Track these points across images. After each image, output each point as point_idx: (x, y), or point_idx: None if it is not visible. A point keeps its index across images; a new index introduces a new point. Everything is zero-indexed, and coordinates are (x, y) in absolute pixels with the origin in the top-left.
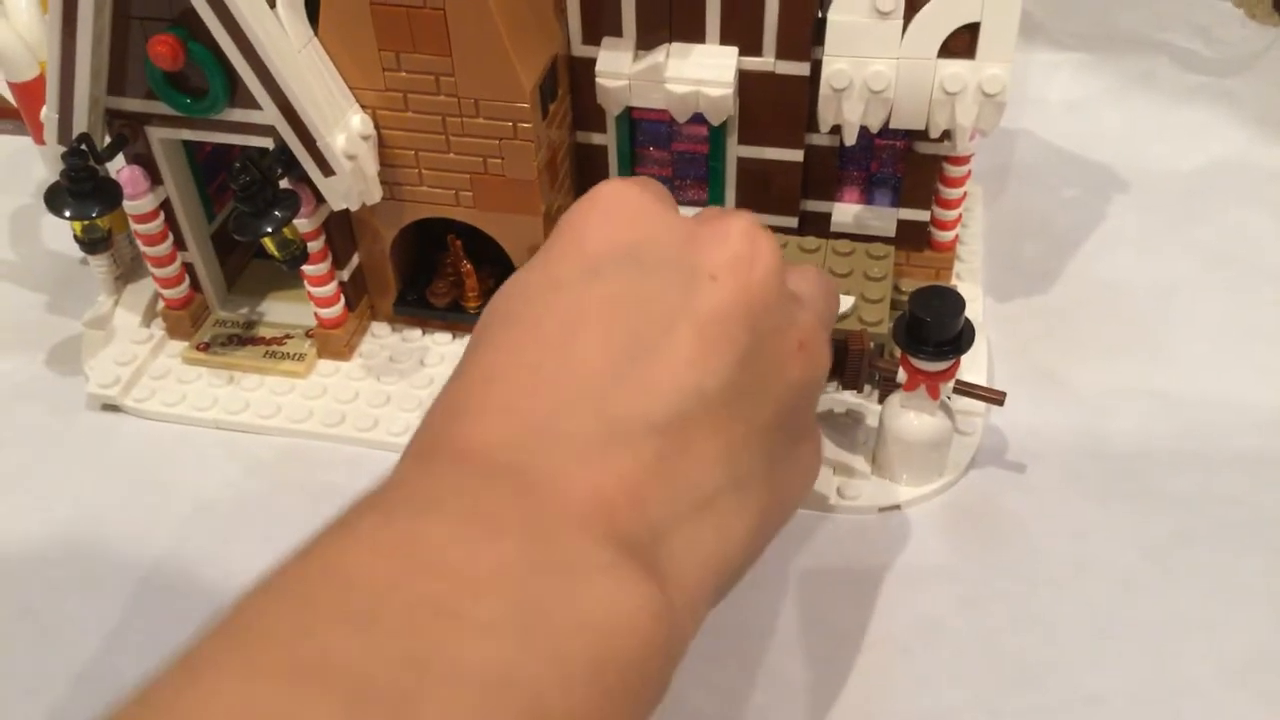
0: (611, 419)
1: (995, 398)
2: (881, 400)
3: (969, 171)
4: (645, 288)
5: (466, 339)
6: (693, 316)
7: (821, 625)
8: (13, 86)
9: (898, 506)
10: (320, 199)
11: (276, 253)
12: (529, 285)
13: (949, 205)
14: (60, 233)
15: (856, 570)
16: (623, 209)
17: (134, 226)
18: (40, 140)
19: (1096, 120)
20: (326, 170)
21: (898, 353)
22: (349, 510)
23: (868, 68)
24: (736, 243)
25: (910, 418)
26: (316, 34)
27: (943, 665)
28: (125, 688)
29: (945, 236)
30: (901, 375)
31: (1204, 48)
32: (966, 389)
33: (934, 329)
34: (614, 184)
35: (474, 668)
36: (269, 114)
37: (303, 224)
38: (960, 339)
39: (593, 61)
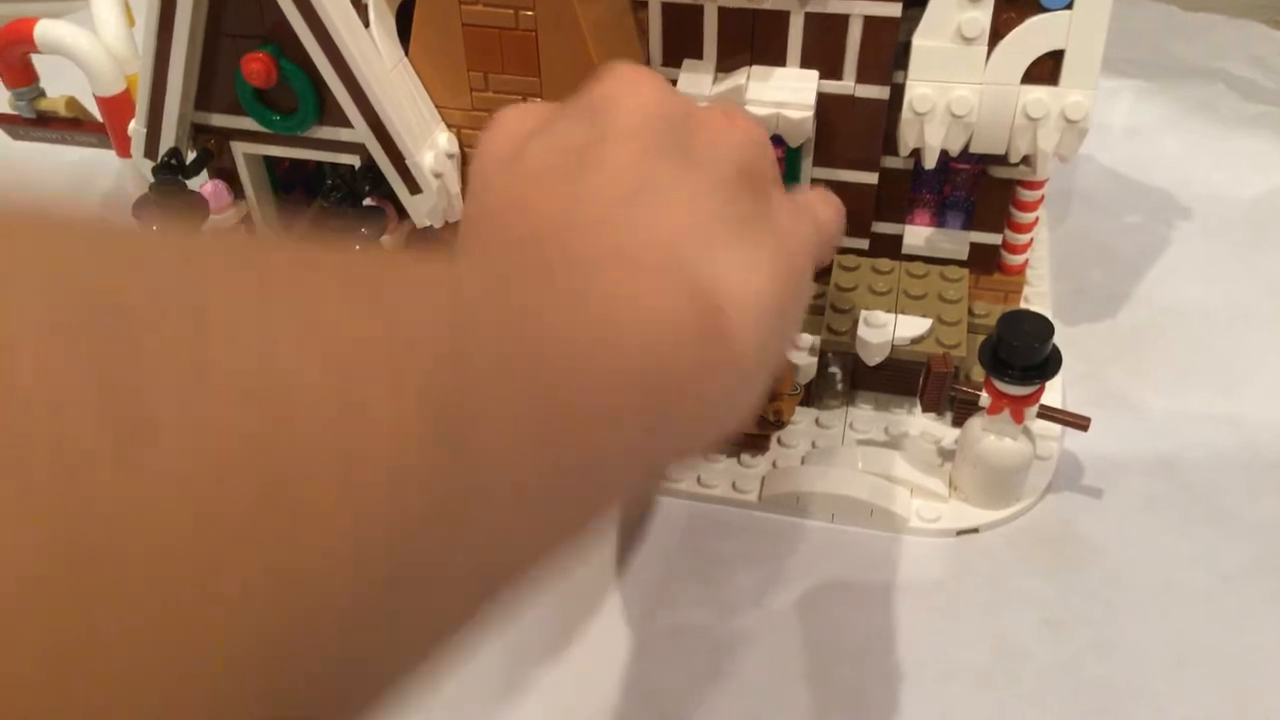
0: (638, 236)
1: (1080, 423)
2: (957, 423)
3: (1042, 196)
4: (669, 163)
5: None
6: (719, 168)
7: (901, 649)
8: (99, 100)
9: (976, 530)
10: (404, 216)
11: None
12: (540, 147)
13: (1021, 229)
14: None
15: (936, 593)
16: (644, 83)
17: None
18: (124, 153)
19: (1157, 147)
20: (413, 188)
21: (973, 374)
22: None
23: (951, 92)
24: (736, 133)
25: (992, 441)
26: (407, 54)
27: (1025, 693)
28: None
29: (1016, 260)
30: (985, 399)
31: (1262, 77)
32: (1051, 414)
33: (1021, 353)
34: (631, 68)
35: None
36: (359, 132)
37: (386, 241)
38: (1048, 364)
39: (673, 83)
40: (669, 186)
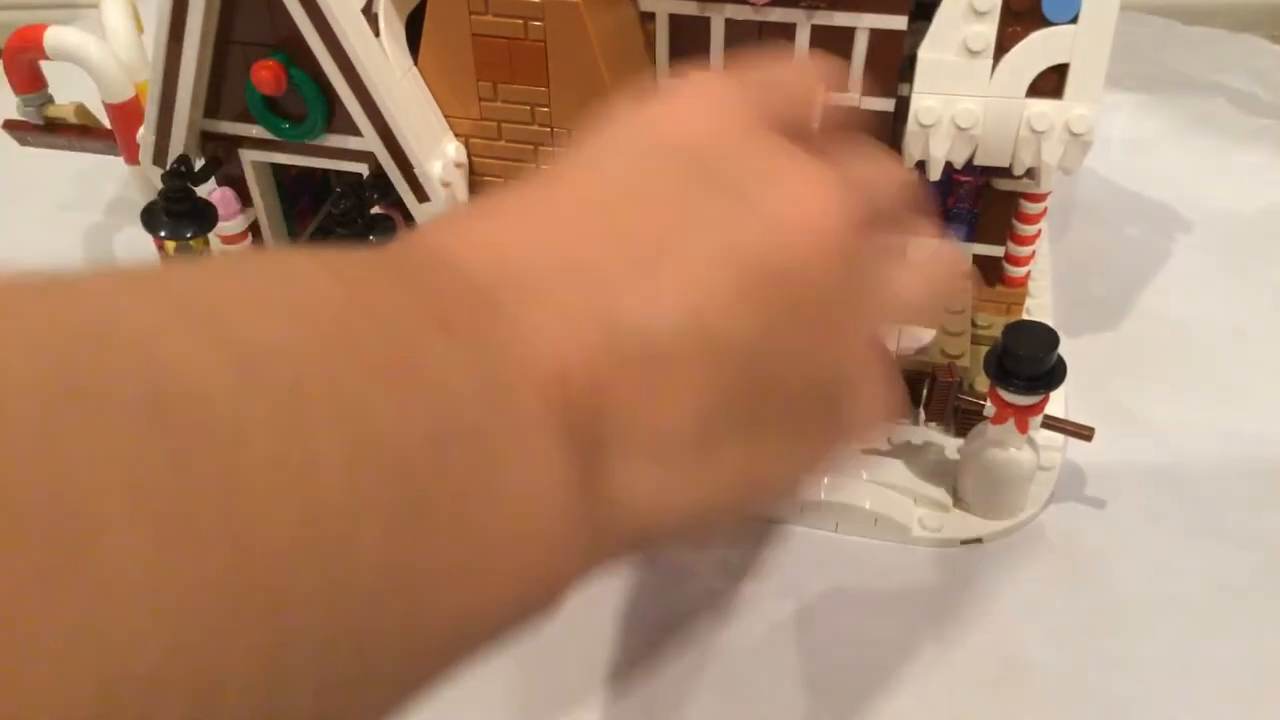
0: (605, 309)
1: (1084, 433)
2: (961, 433)
3: (1045, 209)
4: (699, 196)
5: None
6: (736, 252)
7: (906, 660)
8: (108, 107)
9: (979, 539)
10: (411, 224)
11: None
12: (600, 145)
13: (1024, 241)
14: (133, 251)
15: (939, 603)
16: (714, 105)
17: (222, 248)
18: (133, 160)
19: (1157, 160)
20: (422, 197)
21: (976, 384)
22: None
23: (956, 105)
24: (809, 209)
25: (996, 451)
26: (416, 63)
27: (1029, 703)
28: None
29: (1018, 272)
30: (989, 409)
31: (1263, 91)
32: (1055, 424)
33: (1027, 363)
34: (711, 78)
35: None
36: (368, 140)
37: None
38: (1053, 374)
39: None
40: (696, 376)
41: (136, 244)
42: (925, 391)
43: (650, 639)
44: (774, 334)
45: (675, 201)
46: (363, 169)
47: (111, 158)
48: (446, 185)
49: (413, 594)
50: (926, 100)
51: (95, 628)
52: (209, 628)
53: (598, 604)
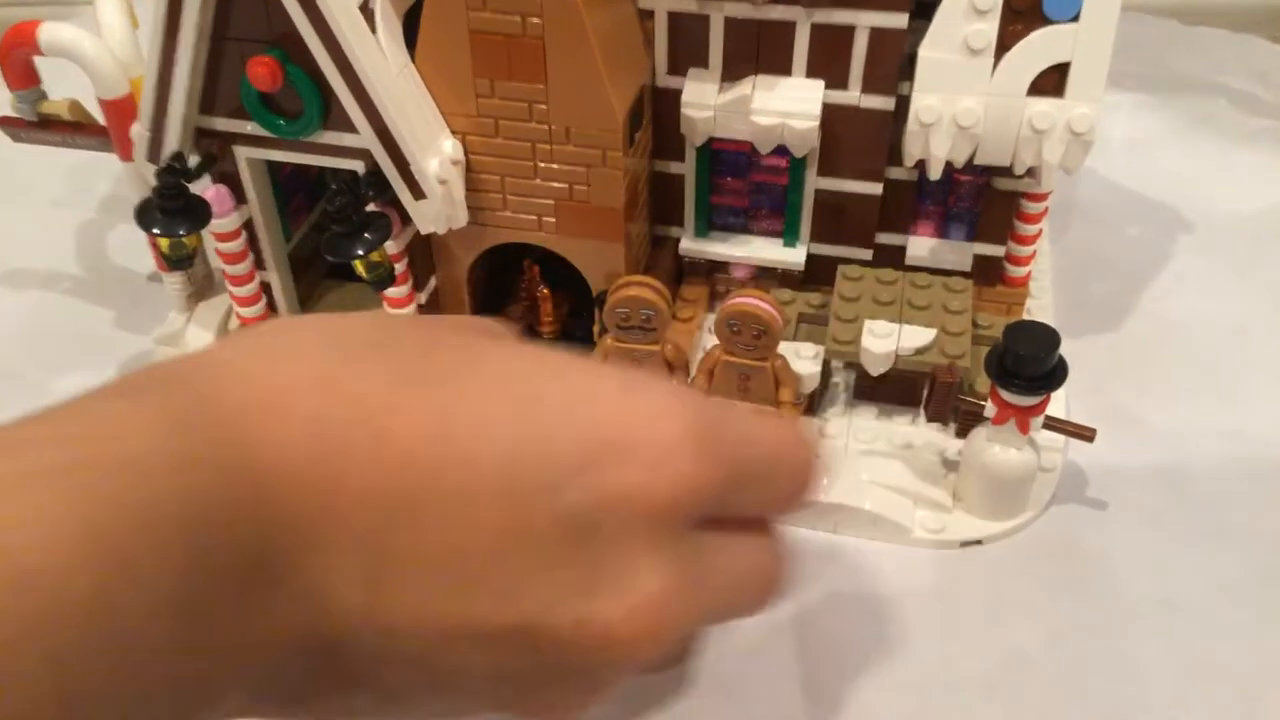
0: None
1: (1085, 434)
2: (961, 434)
3: (1046, 208)
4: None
5: None
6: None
7: (906, 661)
8: (102, 103)
9: (980, 541)
10: (407, 222)
11: (365, 274)
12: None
13: (1024, 241)
14: (126, 248)
15: (940, 604)
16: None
17: (216, 245)
18: (127, 156)
19: (1157, 160)
20: (418, 194)
21: (977, 385)
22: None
23: (957, 104)
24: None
25: (997, 452)
26: (413, 59)
27: (1030, 704)
28: None
29: (1019, 272)
30: (990, 409)
31: (1264, 92)
32: (1056, 424)
33: (1028, 363)
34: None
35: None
36: (364, 137)
37: (389, 246)
38: (1054, 374)
39: (677, 92)
40: None
41: (130, 241)
42: (926, 392)
43: None
44: (562, 596)
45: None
46: (358, 166)
47: (105, 154)
48: (443, 183)
49: None
50: (927, 99)
51: None
52: None
53: None
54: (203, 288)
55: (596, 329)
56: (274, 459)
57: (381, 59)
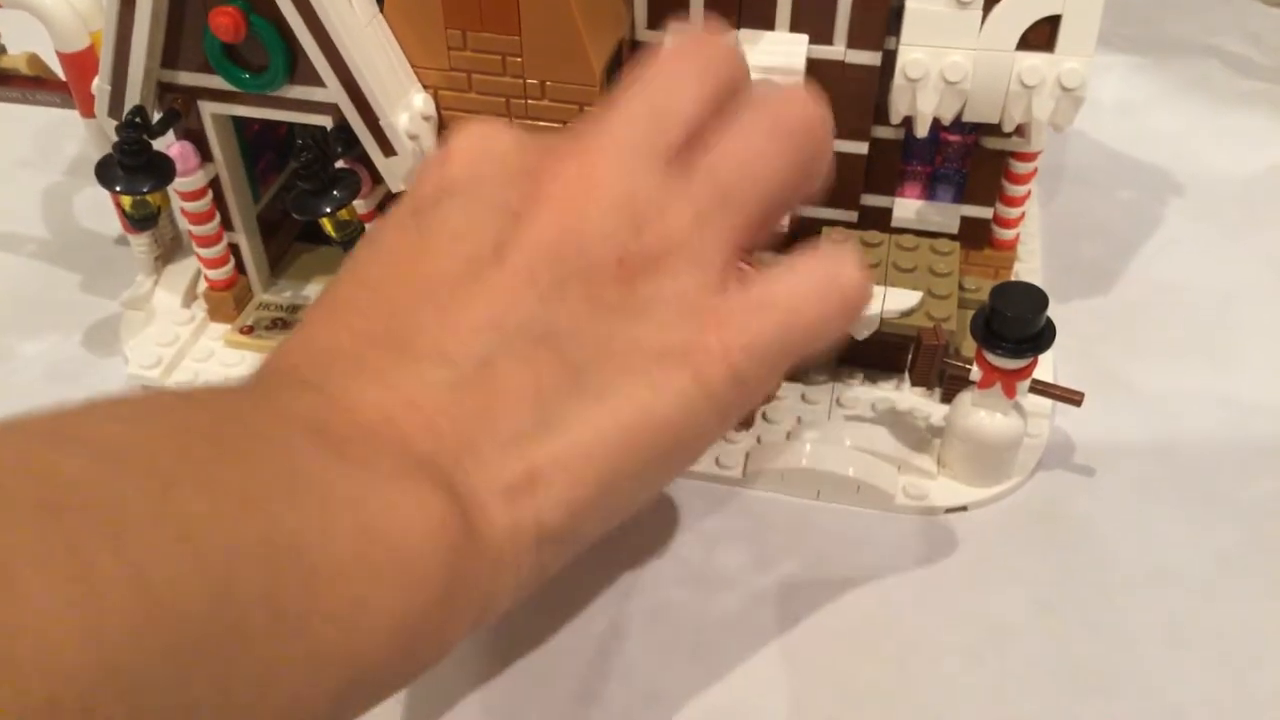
0: (408, 351)
1: (1073, 398)
2: (946, 399)
3: (1035, 169)
4: (458, 224)
5: None
6: (492, 254)
7: (889, 629)
8: (61, 57)
9: (964, 508)
10: (377, 180)
11: (334, 233)
12: (386, 218)
13: (1013, 203)
14: (92, 211)
15: (924, 572)
16: (474, 146)
17: (181, 204)
18: (88, 112)
19: (1149, 123)
20: (388, 150)
21: (963, 349)
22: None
23: (945, 58)
24: (559, 184)
25: (982, 417)
26: (381, 9)
27: (1016, 673)
28: None
29: (1007, 235)
30: (975, 373)
31: (1257, 54)
32: (1043, 388)
33: (1015, 325)
34: (479, 125)
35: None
36: (332, 91)
37: (358, 205)
38: (1041, 336)
39: (657, 46)
40: (510, 368)
41: (97, 204)
42: (910, 356)
43: (625, 609)
44: (553, 298)
45: (437, 244)
46: (326, 122)
47: (73, 115)
48: (414, 138)
49: (279, 652)
50: (914, 53)
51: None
52: (124, 649)
53: (569, 575)
54: (170, 250)
55: None
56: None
57: (349, 9)
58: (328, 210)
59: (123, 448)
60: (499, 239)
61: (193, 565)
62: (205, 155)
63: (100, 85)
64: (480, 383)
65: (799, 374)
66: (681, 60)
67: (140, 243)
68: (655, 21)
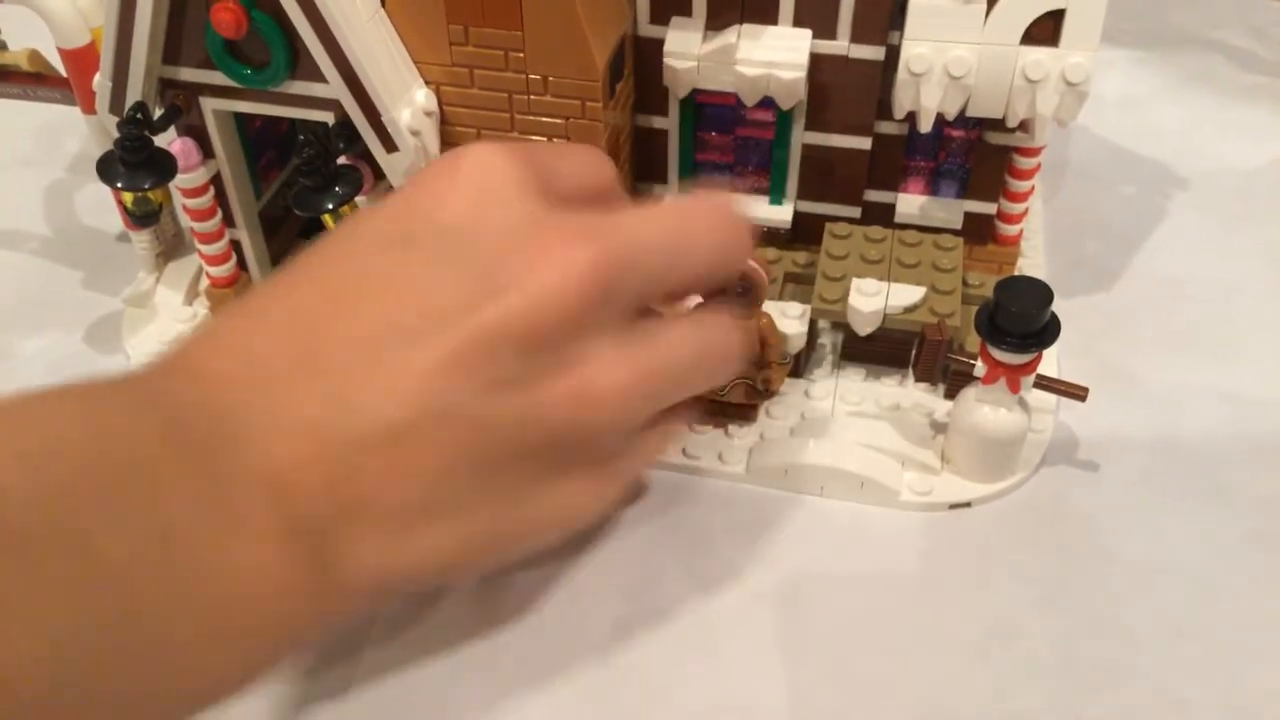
0: (335, 399)
1: (1078, 393)
2: (950, 395)
3: (1038, 164)
4: (439, 275)
5: None
6: (463, 326)
7: (893, 623)
8: (62, 53)
9: (968, 504)
10: (379, 175)
11: None
12: (357, 229)
13: (1017, 198)
14: (94, 208)
15: (928, 568)
16: (476, 180)
17: (183, 201)
18: (89, 109)
19: (1152, 117)
20: (390, 146)
21: (967, 345)
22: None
23: (949, 52)
24: (547, 266)
25: (986, 412)
26: (383, 5)
27: (1020, 668)
28: None
29: (1011, 230)
30: (980, 368)
31: (1261, 47)
32: (1048, 384)
33: (1020, 320)
34: (483, 150)
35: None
36: (334, 87)
37: (361, 201)
38: (1046, 331)
39: (659, 42)
40: (429, 447)
41: (99, 201)
42: (914, 351)
43: (629, 606)
44: (504, 399)
45: (410, 287)
46: (328, 118)
47: (76, 113)
48: (415, 134)
49: (141, 673)
50: (918, 48)
51: None
52: None
53: (574, 575)
54: (172, 247)
55: None
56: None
57: (350, 4)
58: (330, 207)
59: (8, 505)
60: (469, 304)
61: (35, 654)
62: (207, 151)
63: (101, 81)
64: (391, 450)
65: (800, 371)
66: (711, 233)
67: (142, 239)
68: (659, 17)
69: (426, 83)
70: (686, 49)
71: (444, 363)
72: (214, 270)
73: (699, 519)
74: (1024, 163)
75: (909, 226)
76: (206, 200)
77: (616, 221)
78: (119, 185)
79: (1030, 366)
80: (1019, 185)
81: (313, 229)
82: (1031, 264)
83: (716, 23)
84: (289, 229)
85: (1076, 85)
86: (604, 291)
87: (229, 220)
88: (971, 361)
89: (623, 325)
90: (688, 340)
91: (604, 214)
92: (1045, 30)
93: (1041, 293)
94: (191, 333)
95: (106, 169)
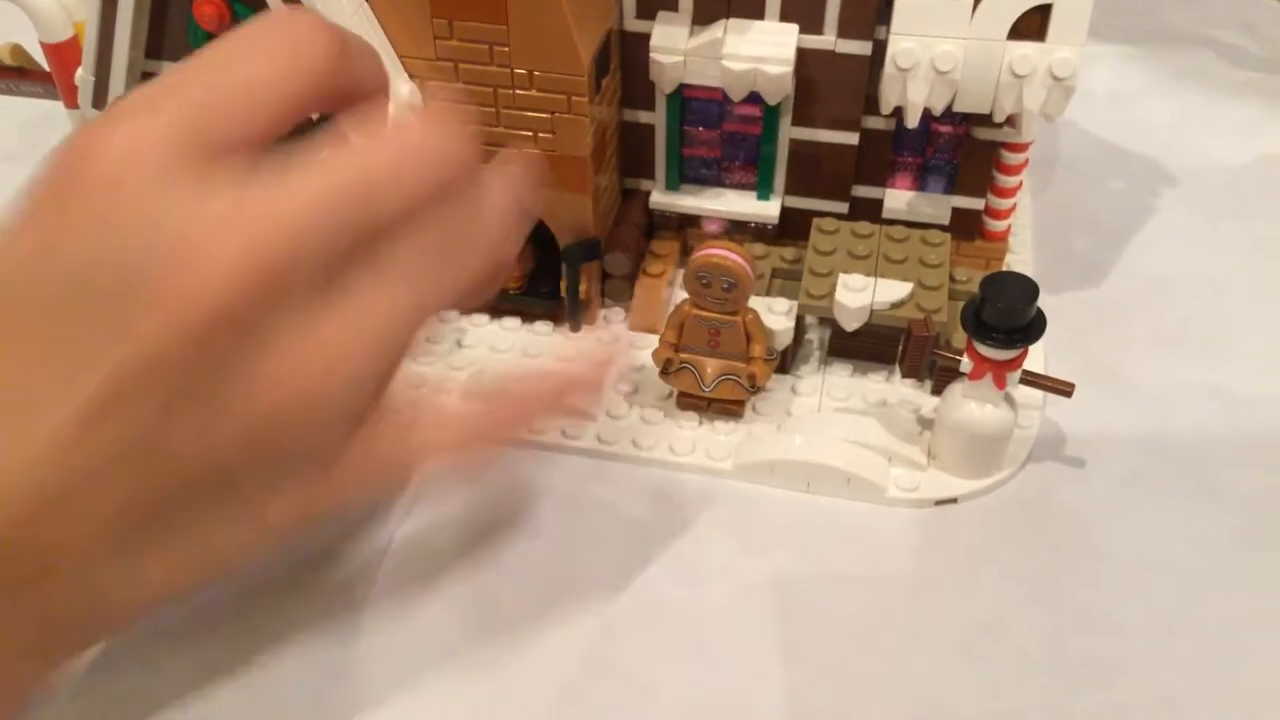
0: (25, 433)
1: (1064, 389)
2: (937, 391)
3: (1026, 160)
4: (79, 313)
5: (505, 320)
6: (103, 369)
7: (881, 621)
8: (45, 47)
9: (955, 500)
10: None
11: None
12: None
13: (1004, 194)
14: None
15: (915, 564)
16: (103, 177)
17: None
18: (72, 104)
19: (1142, 113)
20: None
21: (954, 341)
22: None
23: (935, 47)
24: (190, 270)
25: (972, 408)
26: None
27: (1009, 665)
28: None
29: (999, 226)
30: (966, 364)
31: (1251, 44)
32: (1034, 379)
33: (1005, 315)
34: (116, 137)
35: None
36: None
37: None
38: (1032, 327)
39: (645, 36)
40: (85, 499)
41: None
42: (901, 347)
43: (615, 603)
44: (166, 429)
45: (41, 336)
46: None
47: (61, 108)
48: None
49: None
50: (904, 42)
51: None
52: None
53: (561, 573)
54: None
55: (563, 285)
56: None
57: None
58: None
59: None
60: (100, 347)
61: None
62: None
63: (84, 76)
64: (56, 508)
65: (788, 367)
66: (420, 161)
67: None
68: (645, 12)
69: (411, 76)
70: (673, 43)
71: (83, 412)
72: None
73: (685, 515)
74: (1012, 158)
75: (896, 222)
76: None
77: (280, 187)
78: None
79: (1016, 363)
80: (1007, 181)
81: None
82: (1019, 260)
83: (703, 17)
84: None
85: (1063, 80)
86: (265, 278)
87: None
88: (958, 358)
89: (323, 288)
90: (400, 286)
91: (274, 175)
92: (1032, 25)
93: (1027, 288)
94: None
95: None
